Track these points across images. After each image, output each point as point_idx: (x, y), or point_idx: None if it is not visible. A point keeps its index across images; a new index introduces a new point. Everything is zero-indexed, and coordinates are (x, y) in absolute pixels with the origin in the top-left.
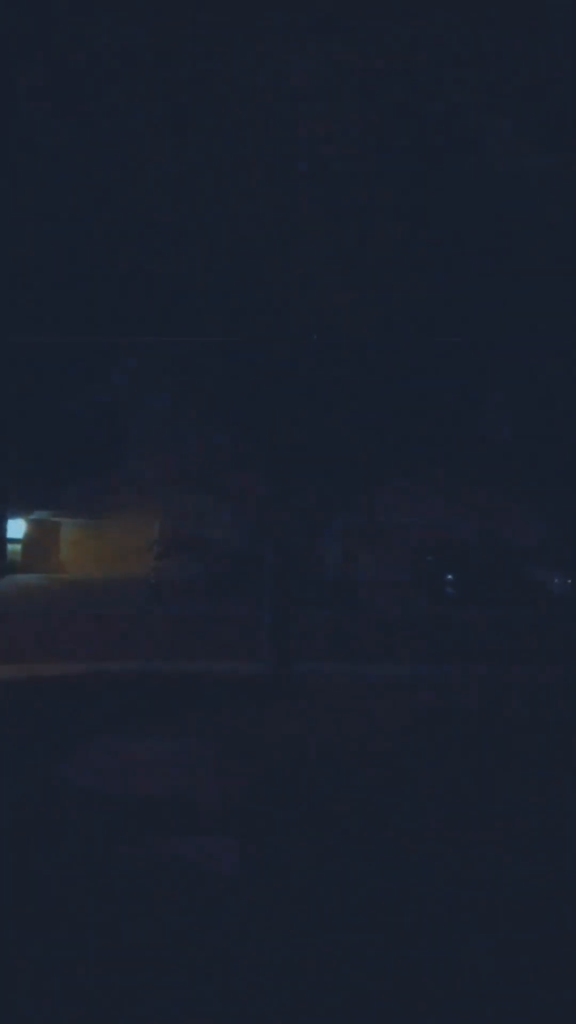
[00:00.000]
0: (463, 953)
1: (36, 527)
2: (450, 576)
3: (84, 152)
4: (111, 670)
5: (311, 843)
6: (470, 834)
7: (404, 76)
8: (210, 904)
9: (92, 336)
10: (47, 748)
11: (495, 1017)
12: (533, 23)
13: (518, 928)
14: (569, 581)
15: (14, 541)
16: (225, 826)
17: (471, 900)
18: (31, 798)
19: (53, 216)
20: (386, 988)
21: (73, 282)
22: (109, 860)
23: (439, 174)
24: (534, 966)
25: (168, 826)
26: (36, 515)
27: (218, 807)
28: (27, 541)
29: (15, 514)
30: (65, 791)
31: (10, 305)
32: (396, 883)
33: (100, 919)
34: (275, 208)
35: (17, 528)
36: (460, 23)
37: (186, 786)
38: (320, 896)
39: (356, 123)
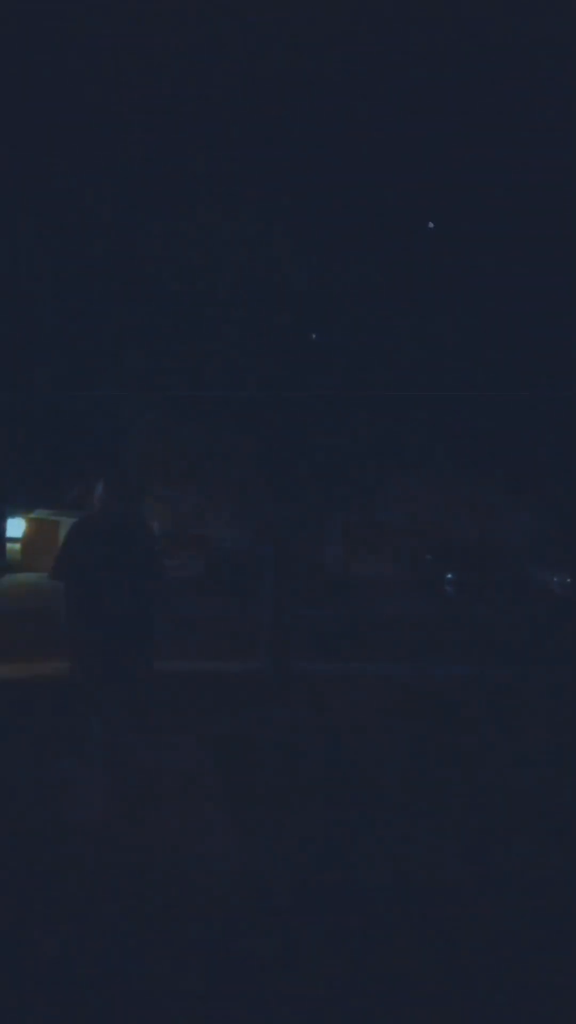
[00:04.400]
0: (464, 953)
1: (36, 526)
2: (450, 576)
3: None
4: None
5: (309, 837)
6: (469, 829)
7: None
8: (209, 891)
9: (92, 337)
10: (47, 747)
11: (499, 1013)
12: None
13: (523, 923)
14: (569, 581)
15: (14, 540)
16: (224, 819)
17: (472, 896)
18: (32, 797)
19: (56, 216)
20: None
21: (74, 282)
22: (110, 854)
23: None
24: (537, 964)
25: (169, 819)
26: (36, 514)
27: (216, 802)
28: (27, 540)
29: (15, 513)
30: (65, 788)
31: (11, 305)
32: (392, 875)
33: (100, 909)
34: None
35: (17, 527)
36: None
37: (187, 782)
38: (318, 885)
39: None
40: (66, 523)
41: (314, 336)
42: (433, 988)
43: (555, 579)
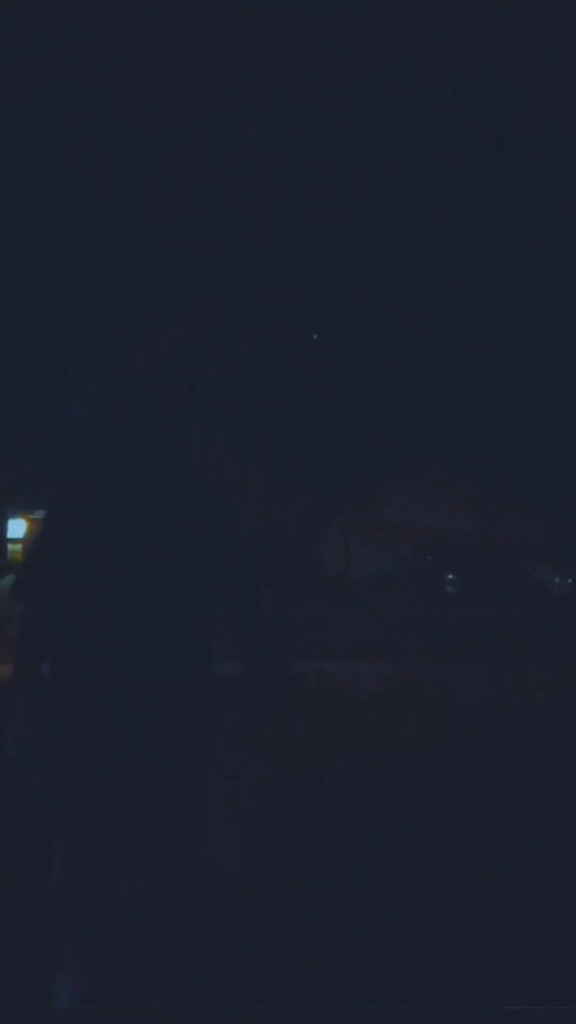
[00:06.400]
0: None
1: (37, 527)
2: (450, 576)
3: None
4: None
5: (309, 837)
6: (469, 827)
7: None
8: (209, 885)
9: (92, 335)
10: None
11: (498, 1013)
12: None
13: (524, 923)
14: (569, 581)
15: (14, 541)
16: (223, 820)
17: (473, 895)
18: (33, 795)
19: (55, 215)
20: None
21: (73, 282)
22: (110, 852)
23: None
24: (537, 968)
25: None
26: (36, 515)
27: (215, 799)
28: (27, 541)
29: (15, 514)
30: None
31: (10, 304)
32: (392, 874)
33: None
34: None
35: (17, 528)
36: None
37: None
38: (316, 882)
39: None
40: None
41: (315, 337)
42: (432, 989)
43: (555, 579)
